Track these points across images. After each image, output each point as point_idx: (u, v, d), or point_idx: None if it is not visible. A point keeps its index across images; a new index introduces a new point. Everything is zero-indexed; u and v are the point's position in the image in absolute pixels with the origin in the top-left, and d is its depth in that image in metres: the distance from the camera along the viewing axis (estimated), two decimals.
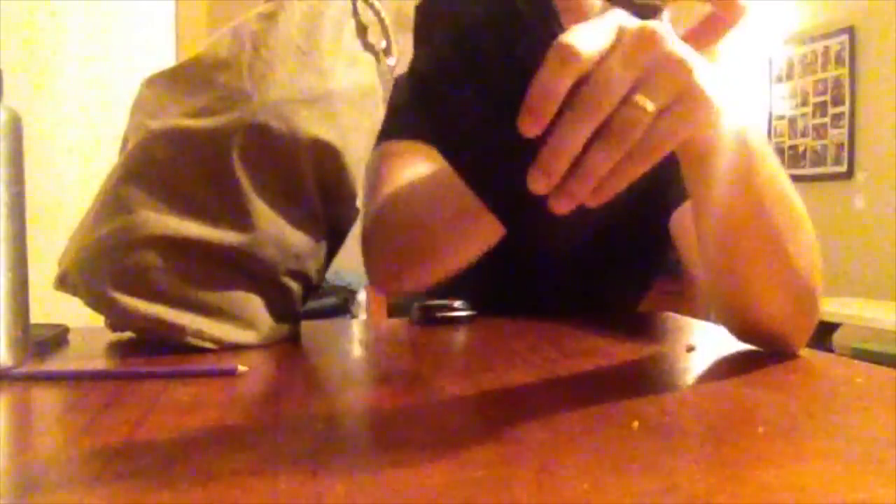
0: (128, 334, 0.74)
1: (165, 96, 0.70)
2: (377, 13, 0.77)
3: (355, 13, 0.75)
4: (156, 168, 0.67)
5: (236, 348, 0.68)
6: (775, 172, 0.61)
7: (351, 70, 0.74)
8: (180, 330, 0.66)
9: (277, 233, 0.70)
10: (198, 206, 0.67)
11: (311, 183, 0.71)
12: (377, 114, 0.79)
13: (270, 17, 0.71)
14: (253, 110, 0.67)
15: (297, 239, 0.72)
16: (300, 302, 0.76)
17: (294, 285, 0.74)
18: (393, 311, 1.37)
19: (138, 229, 0.65)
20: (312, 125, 0.69)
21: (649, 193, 0.83)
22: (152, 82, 0.72)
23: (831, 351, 3.20)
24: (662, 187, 0.88)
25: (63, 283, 0.70)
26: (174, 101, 0.69)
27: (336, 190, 0.74)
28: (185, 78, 0.70)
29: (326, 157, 0.71)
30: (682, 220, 0.88)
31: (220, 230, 0.67)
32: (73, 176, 1.77)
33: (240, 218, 0.68)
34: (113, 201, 0.67)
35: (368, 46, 0.76)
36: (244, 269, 0.69)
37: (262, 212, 0.69)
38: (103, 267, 0.65)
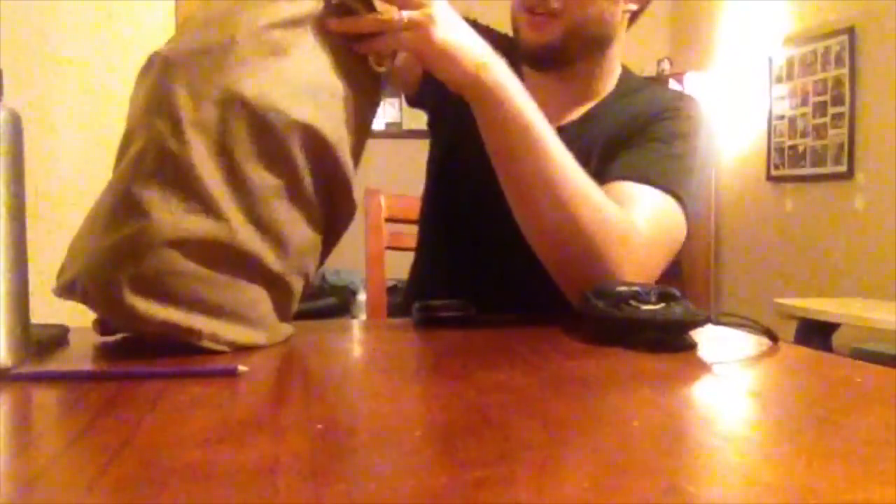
0: (126, 334, 0.74)
1: (166, 88, 0.69)
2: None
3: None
4: (169, 167, 0.66)
5: (236, 348, 0.68)
6: (534, 138, 0.81)
7: (343, 67, 0.74)
8: (197, 334, 0.66)
9: (282, 230, 0.70)
10: (211, 204, 0.67)
11: (308, 176, 0.71)
12: (370, 110, 0.80)
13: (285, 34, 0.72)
14: (251, 105, 0.67)
15: (299, 236, 0.72)
16: (298, 301, 0.76)
17: (296, 284, 0.74)
18: (392, 312, 1.37)
19: (155, 233, 0.64)
20: (305, 115, 0.69)
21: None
22: (145, 74, 0.72)
23: (831, 351, 3.20)
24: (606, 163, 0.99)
25: (70, 290, 0.69)
26: (175, 94, 0.68)
27: (332, 183, 0.74)
28: (184, 67, 0.69)
29: (318, 147, 0.71)
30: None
31: (231, 228, 0.67)
32: (73, 176, 1.77)
33: (249, 215, 0.68)
34: (126, 204, 0.66)
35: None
36: (253, 268, 0.69)
37: (270, 209, 0.69)
38: (119, 273, 0.64)
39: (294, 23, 0.72)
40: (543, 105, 1.02)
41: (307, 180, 0.71)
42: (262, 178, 0.68)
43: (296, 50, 0.71)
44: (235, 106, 0.67)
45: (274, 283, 0.71)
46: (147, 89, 0.70)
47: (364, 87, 0.77)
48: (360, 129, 0.77)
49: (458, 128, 1.00)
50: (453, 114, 0.98)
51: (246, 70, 0.68)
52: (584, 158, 1.01)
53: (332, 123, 0.72)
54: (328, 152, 0.72)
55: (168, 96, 0.68)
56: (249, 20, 0.70)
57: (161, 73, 0.70)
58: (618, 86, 1.08)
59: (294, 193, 0.71)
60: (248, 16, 0.71)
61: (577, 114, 1.07)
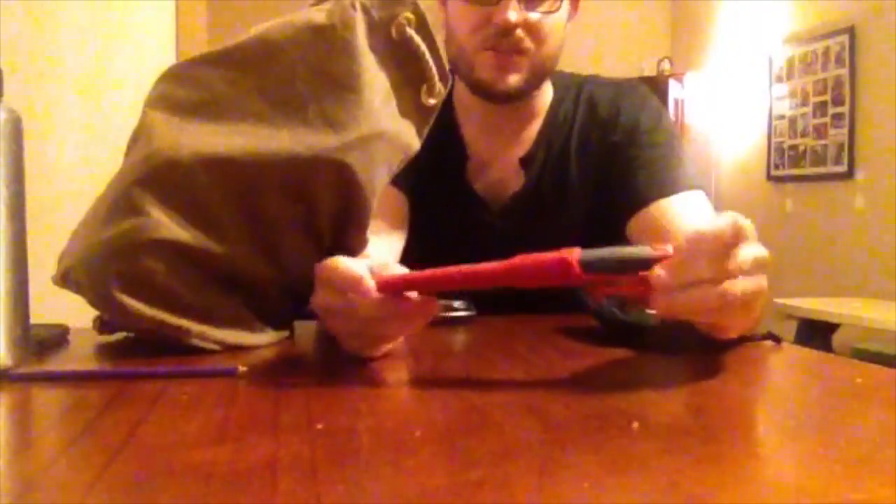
0: (126, 334, 0.74)
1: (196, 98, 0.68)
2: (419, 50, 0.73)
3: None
4: (177, 177, 0.65)
5: (236, 348, 0.68)
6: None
7: (388, 107, 0.72)
8: (186, 331, 0.66)
9: (282, 258, 0.70)
10: (212, 220, 0.66)
11: (326, 213, 0.70)
12: (406, 152, 0.75)
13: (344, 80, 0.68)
14: (287, 144, 0.66)
15: (299, 264, 0.71)
16: (291, 314, 0.77)
17: (289, 303, 0.74)
18: None
19: (149, 232, 0.64)
20: (343, 153, 0.67)
21: (604, 201, 1.02)
22: (178, 80, 0.71)
23: (831, 351, 3.20)
24: (617, 195, 1.01)
25: (65, 280, 0.69)
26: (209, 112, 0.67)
27: (349, 220, 0.73)
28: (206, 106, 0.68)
29: (345, 187, 0.69)
30: (640, 224, 0.98)
31: (229, 247, 0.67)
32: (73, 176, 1.77)
33: (250, 238, 0.68)
34: (125, 202, 0.65)
35: (410, 79, 0.74)
36: (245, 285, 0.70)
37: (274, 237, 0.68)
38: (110, 268, 0.65)
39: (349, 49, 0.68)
40: (495, 133, 1.07)
41: (324, 217, 0.70)
42: (277, 209, 0.68)
43: (355, 94, 0.68)
44: (281, 146, 0.66)
45: (264, 301, 0.72)
46: (180, 96, 0.69)
47: (412, 120, 0.74)
48: (391, 169, 0.74)
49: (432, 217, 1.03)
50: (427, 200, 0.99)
51: (291, 112, 0.67)
52: (558, 181, 1.05)
53: (368, 162, 0.69)
54: (354, 192, 0.70)
55: (201, 102, 0.67)
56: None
57: (194, 85, 0.69)
58: (553, 101, 1.09)
59: (305, 227, 0.70)
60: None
61: (528, 136, 1.07)
